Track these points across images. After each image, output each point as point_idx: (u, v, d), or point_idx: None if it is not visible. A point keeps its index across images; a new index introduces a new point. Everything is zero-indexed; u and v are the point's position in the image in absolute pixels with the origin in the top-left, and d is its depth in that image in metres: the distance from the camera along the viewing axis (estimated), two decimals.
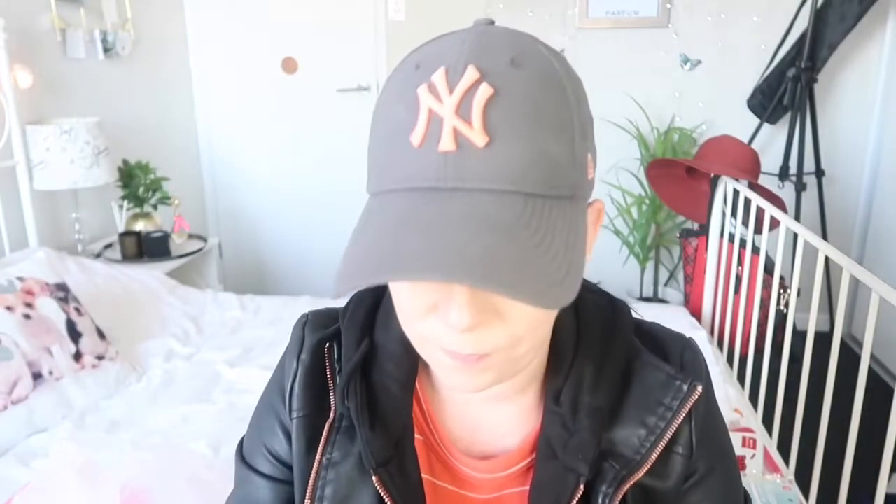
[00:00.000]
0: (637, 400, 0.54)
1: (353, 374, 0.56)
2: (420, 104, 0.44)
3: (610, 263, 3.32)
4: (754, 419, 1.79)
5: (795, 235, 1.79)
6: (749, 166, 2.45)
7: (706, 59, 3.07)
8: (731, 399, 1.76)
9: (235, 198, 3.39)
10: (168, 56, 3.10)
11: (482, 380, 0.48)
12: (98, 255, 2.51)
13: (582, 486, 0.52)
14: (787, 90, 2.77)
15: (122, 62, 2.73)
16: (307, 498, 0.57)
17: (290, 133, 3.26)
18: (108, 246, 2.60)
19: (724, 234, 2.40)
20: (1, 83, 2.14)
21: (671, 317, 2.26)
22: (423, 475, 0.58)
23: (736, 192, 2.24)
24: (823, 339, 1.70)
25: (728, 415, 1.60)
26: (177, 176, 2.88)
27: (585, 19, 3.06)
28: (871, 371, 1.47)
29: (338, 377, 0.58)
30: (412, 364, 0.56)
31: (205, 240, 2.79)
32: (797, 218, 2.68)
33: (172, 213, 2.72)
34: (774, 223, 2.04)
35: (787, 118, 2.88)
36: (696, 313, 2.42)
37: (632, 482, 0.52)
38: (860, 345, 1.62)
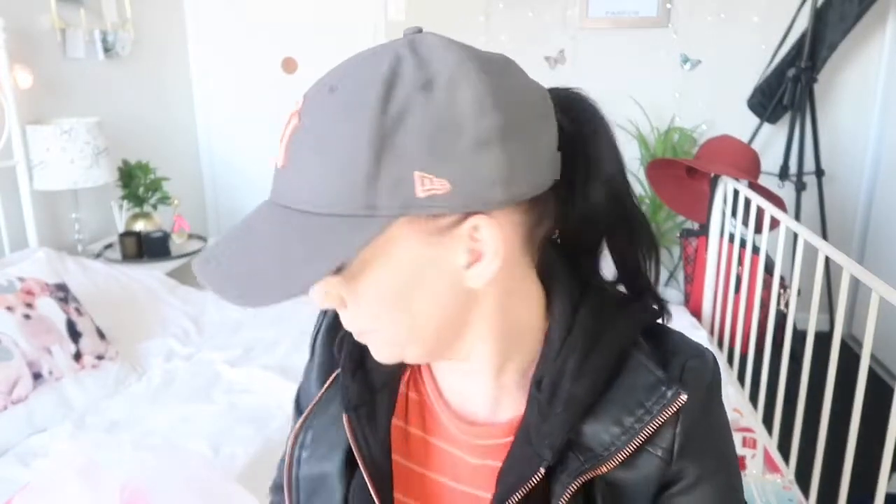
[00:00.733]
0: (618, 398, 0.54)
1: None
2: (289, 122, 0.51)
3: (610, 263, 3.31)
4: (754, 419, 1.79)
5: (795, 235, 1.79)
6: (749, 166, 2.45)
7: (706, 59, 3.07)
8: (731, 399, 1.76)
9: (235, 198, 3.39)
10: (168, 56, 3.10)
11: (375, 353, 0.57)
12: (98, 255, 2.51)
13: (542, 471, 0.53)
14: (787, 90, 2.77)
15: (122, 62, 2.73)
16: (291, 439, 0.64)
17: None
18: (108, 246, 2.60)
19: (724, 234, 2.40)
20: (1, 83, 2.14)
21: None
22: (415, 431, 0.62)
23: (736, 192, 2.24)
24: (823, 339, 1.70)
25: (728, 415, 1.60)
26: (177, 176, 2.88)
27: (585, 19, 3.06)
28: (871, 371, 1.47)
29: None
30: None
31: (205, 240, 2.79)
32: (797, 218, 2.68)
33: (172, 213, 2.71)
34: (774, 223, 2.04)
35: (787, 118, 2.88)
36: (697, 313, 2.42)
37: (592, 475, 0.53)
38: (860, 345, 1.62)
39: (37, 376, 1.62)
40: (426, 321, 0.53)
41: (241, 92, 3.26)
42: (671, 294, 3.27)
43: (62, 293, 1.82)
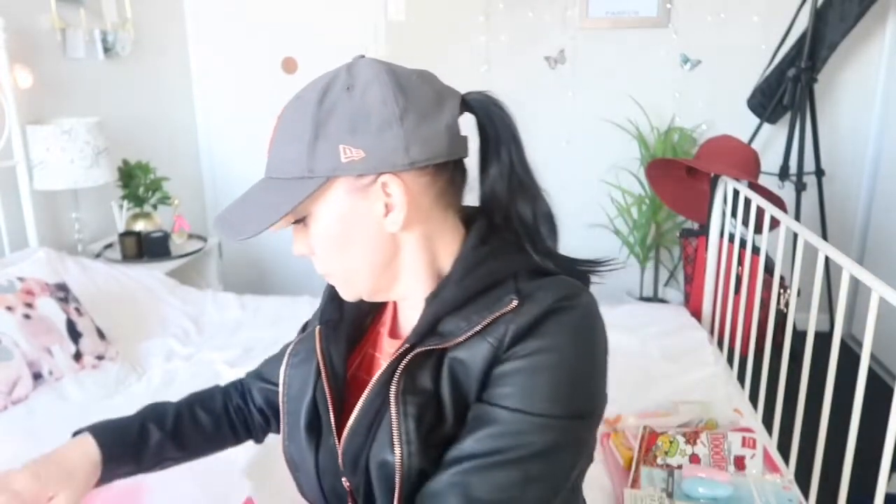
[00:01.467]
0: (478, 305, 0.71)
1: None
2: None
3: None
4: (754, 419, 1.79)
5: (795, 235, 1.79)
6: (749, 166, 2.45)
7: (706, 59, 3.07)
8: (731, 399, 1.76)
9: (235, 197, 3.38)
10: (168, 56, 3.10)
11: (340, 292, 0.79)
12: (98, 255, 2.51)
13: (407, 346, 0.71)
14: (787, 90, 2.77)
15: (122, 62, 2.73)
16: (290, 348, 0.87)
17: None
18: (108, 246, 2.60)
19: (724, 234, 2.40)
20: (1, 83, 2.14)
21: (671, 317, 2.26)
22: (375, 353, 0.83)
23: (736, 192, 2.24)
24: (823, 339, 1.70)
25: (728, 415, 1.60)
26: (177, 176, 2.89)
27: (585, 19, 3.06)
28: (871, 371, 1.48)
29: None
30: None
31: (205, 240, 2.79)
32: (797, 218, 2.68)
33: (172, 213, 2.72)
34: (774, 223, 2.04)
35: (787, 118, 2.88)
36: (697, 313, 2.42)
37: (439, 349, 0.71)
38: (860, 345, 1.62)
39: (37, 376, 1.62)
40: (363, 261, 0.74)
41: (242, 92, 3.26)
42: (671, 294, 3.27)
43: (62, 293, 1.82)
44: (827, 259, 1.61)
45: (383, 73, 0.70)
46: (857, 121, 3.07)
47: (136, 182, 2.56)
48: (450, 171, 0.75)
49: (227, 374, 1.84)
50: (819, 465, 1.56)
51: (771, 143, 3.06)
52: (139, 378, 1.83)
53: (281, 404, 0.86)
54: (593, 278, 0.80)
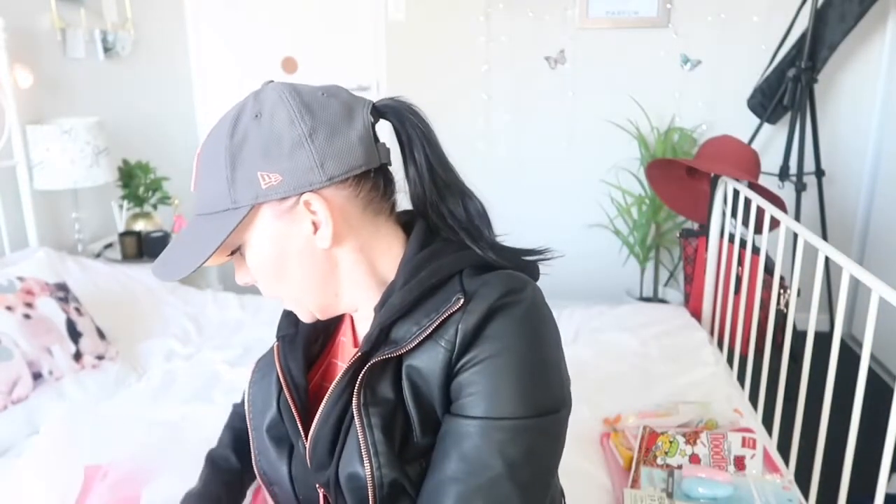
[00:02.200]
0: (427, 307, 0.72)
1: None
2: None
3: (610, 263, 3.32)
4: (754, 419, 1.79)
5: (795, 235, 1.79)
6: (749, 166, 2.45)
7: (706, 59, 3.07)
8: (731, 399, 1.76)
9: None
10: (168, 56, 3.10)
11: (296, 314, 0.81)
12: (98, 255, 2.51)
13: (359, 354, 0.73)
14: (787, 90, 2.76)
15: (122, 62, 2.73)
16: (252, 369, 0.90)
17: None
18: (108, 246, 2.60)
19: (724, 234, 2.40)
20: (1, 83, 2.14)
21: (671, 317, 2.26)
22: (332, 360, 0.85)
23: (736, 193, 2.24)
24: (823, 339, 1.70)
25: (728, 415, 1.60)
26: (177, 176, 2.88)
27: (585, 19, 3.06)
28: (871, 371, 1.48)
29: None
30: None
31: None
32: (797, 218, 2.68)
33: (172, 212, 2.72)
34: (774, 223, 2.04)
35: (787, 118, 2.88)
36: (697, 313, 2.42)
37: (391, 357, 0.71)
38: (860, 345, 1.62)
39: (37, 376, 1.62)
40: (302, 282, 0.75)
41: (242, 92, 3.20)
42: (671, 294, 3.27)
43: (62, 293, 1.82)
44: (827, 259, 1.61)
45: (287, 94, 0.71)
46: (857, 121, 3.07)
47: (136, 182, 2.56)
48: (372, 180, 0.75)
49: (227, 375, 1.84)
50: (819, 465, 1.56)
51: (771, 143, 3.06)
52: (139, 378, 1.83)
53: (248, 421, 0.88)
54: (543, 270, 0.81)
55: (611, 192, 3.23)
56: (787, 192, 2.66)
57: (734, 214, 2.25)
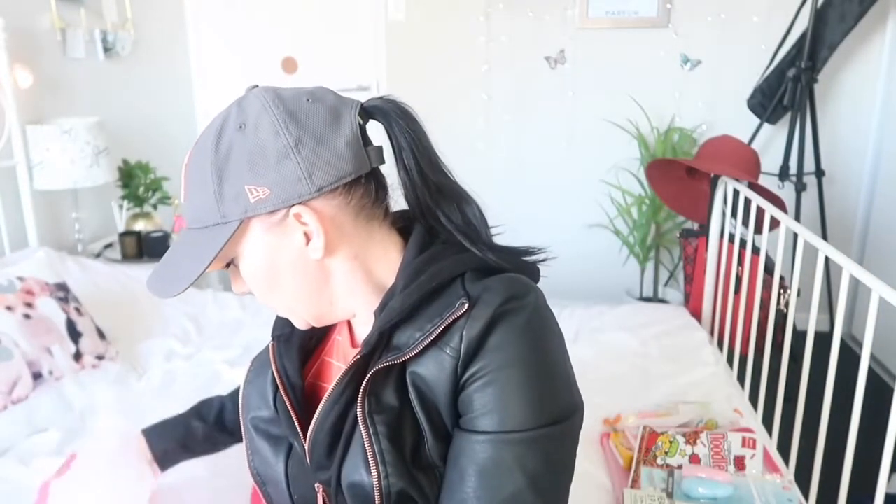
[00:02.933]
0: (429, 312, 0.70)
1: None
2: None
3: (610, 263, 3.32)
4: (754, 419, 1.79)
5: (795, 235, 1.79)
6: (749, 166, 2.45)
7: (706, 59, 3.07)
8: (731, 399, 1.76)
9: None
10: (168, 56, 3.10)
11: (292, 321, 0.79)
12: (98, 255, 2.51)
13: (358, 356, 0.71)
14: (787, 90, 2.76)
15: (122, 62, 2.73)
16: (249, 366, 0.91)
17: None
18: (108, 246, 2.60)
19: (724, 234, 2.40)
20: (1, 83, 2.14)
21: (671, 317, 2.26)
22: (333, 361, 0.83)
23: (736, 192, 2.24)
24: (823, 339, 1.70)
25: (728, 415, 1.60)
26: (177, 176, 2.87)
27: (585, 19, 3.06)
28: (871, 371, 1.48)
29: None
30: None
31: None
32: (797, 218, 2.68)
33: (172, 212, 2.72)
34: (774, 223, 2.04)
35: (787, 118, 2.88)
36: (696, 313, 2.42)
37: (394, 364, 0.70)
38: (860, 345, 1.62)
39: (37, 376, 1.62)
40: (296, 293, 0.75)
41: (242, 92, 3.25)
42: (671, 294, 3.27)
43: (62, 293, 1.82)
44: (827, 259, 1.61)
45: (270, 103, 0.69)
46: (857, 121, 3.07)
47: (136, 182, 2.56)
48: (363, 186, 0.73)
49: (227, 374, 1.84)
50: (819, 465, 1.56)
51: (771, 143, 3.06)
52: (139, 378, 1.83)
53: (242, 420, 0.87)
54: (543, 270, 0.79)
55: (611, 192, 3.23)
56: (787, 192, 2.66)
57: (734, 214, 2.25)
